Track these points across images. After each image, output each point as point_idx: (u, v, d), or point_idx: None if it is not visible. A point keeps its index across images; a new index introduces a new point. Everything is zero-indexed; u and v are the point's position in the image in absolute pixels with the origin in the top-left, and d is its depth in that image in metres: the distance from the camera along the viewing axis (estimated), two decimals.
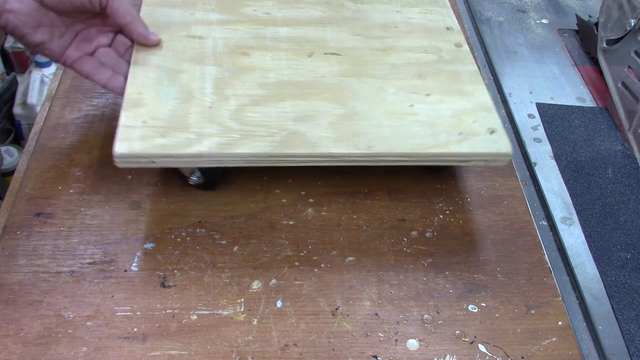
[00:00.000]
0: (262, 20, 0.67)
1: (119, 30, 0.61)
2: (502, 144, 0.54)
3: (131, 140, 0.51)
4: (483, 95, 0.60)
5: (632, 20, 0.72)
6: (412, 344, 0.49)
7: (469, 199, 0.60)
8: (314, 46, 0.64)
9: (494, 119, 0.57)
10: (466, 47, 0.65)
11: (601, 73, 0.79)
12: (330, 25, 0.67)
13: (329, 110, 0.56)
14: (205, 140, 0.52)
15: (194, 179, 0.57)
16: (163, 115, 0.54)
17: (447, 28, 0.68)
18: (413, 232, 0.57)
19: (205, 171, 0.56)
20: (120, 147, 0.51)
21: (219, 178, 0.59)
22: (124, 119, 0.53)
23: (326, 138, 0.53)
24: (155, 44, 0.61)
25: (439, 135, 0.55)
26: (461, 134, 0.55)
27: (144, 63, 0.59)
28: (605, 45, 0.78)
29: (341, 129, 0.54)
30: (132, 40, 0.61)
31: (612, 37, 0.77)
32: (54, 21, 0.56)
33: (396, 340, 0.49)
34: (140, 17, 0.61)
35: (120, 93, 0.57)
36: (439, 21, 0.69)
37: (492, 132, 0.55)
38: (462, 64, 0.63)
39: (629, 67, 0.73)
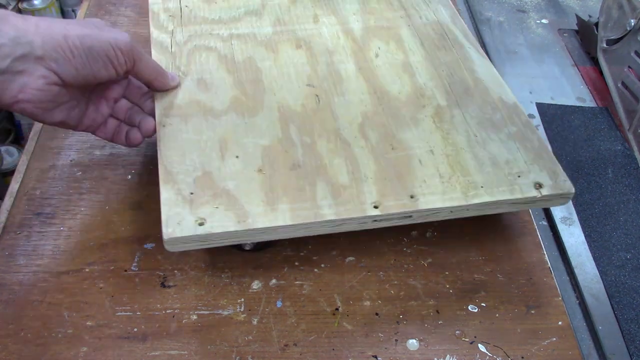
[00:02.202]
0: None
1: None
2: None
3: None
4: None
5: (632, 20, 0.72)
6: (412, 344, 0.49)
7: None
8: None
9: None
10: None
11: (601, 73, 0.79)
12: None
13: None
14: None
15: (247, 247, 0.54)
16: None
17: None
18: (413, 232, 0.57)
19: None
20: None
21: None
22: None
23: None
24: (176, 86, 0.59)
25: None
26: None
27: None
28: (605, 45, 0.78)
29: None
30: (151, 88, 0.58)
31: (612, 37, 0.77)
32: (73, 96, 0.52)
33: (396, 340, 0.49)
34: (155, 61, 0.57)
35: (139, 144, 0.56)
36: None
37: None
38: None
39: (629, 67, 0.73)
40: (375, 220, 0.50)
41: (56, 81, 0.48)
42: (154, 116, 0.56)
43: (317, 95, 0.59)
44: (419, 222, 0.51)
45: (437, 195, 0.51)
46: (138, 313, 0.49)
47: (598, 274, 0.56)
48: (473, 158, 0.54)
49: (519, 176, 0.53)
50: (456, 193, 0.51)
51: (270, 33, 0.67)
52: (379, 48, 0.66)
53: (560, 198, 0.52)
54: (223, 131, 0.55)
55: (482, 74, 0.63)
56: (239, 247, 0.54)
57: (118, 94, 0.56)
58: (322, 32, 0.68)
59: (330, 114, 0.57)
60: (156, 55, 0.62)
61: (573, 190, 0.52)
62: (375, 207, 0.49)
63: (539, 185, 0.52)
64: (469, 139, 0.56)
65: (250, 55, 0.63)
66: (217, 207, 0.48)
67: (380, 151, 0.54)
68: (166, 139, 0.53)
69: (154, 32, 0.65)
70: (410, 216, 0.50)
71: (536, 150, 0.55)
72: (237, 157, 0.52)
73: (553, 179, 0.53)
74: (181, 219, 0.47)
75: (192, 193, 0.49)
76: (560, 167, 0.54)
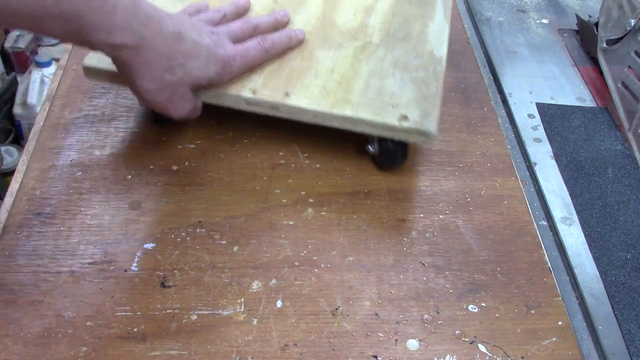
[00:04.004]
0: None
1: None
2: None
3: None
4: None
5: (632, 20, 0.72)
6: (412, 344, 0.49)
7: (468, 199, 0.60)
8: None
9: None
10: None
11: (601, 73, 0.79)
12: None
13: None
14: None
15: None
16: None
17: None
18: (413, 232, 0.57)
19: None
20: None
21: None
22: None
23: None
24: None
25: None
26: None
27: None
28: (605, 45, 0.78)
29: None
30: None
31: (612, 37, 0.77)
32: None
33: (396, 340, 0.49)
34: None
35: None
36: None
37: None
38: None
39: (629, 67, 0.73)
40: (248, 103, 0.58)
41: None
42: None
43: (273, 9, 0.66)
44: (286, 117, 0.58)
45: (308, 99, 0.58)
46: (138, 313, 0.49)
47: (598, 274, 0.56)
48: (364, 83, 0.60)
49: (392, 106, 0.57)
50: (326, 102, 0.57)
51: None
52: None
53: (420, 135, 0.56)
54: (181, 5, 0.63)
55: (432, 30, 0.67)
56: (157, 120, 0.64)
57: None
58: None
59: None
60: None
61: (432, 129, 0.56)
62: (252, 92, 0.58)
63: (404, 117, 0.56)
64: (373, 71, 0.61)
65: None
66: None
67: (289, 58, 0.62)
68: None
69: None
70: (277, 108, 0.58)
71: (427, 94, 0.59)
72: None
73: (421, 117, 0.57)
74: (102, 57, 0.54)
75: None
76: (437, 113, 0.58)
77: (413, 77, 0.61)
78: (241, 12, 0.66)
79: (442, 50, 0.65)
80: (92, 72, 0.60)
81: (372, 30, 0.66)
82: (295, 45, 0.64)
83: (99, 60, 0.58)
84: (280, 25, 0.65)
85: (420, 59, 0.63)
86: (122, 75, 0.54)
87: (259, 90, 0.58)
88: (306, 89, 0.59)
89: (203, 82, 0.56)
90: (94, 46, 0.50)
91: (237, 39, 0.60)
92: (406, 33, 0.67)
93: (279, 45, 0.62)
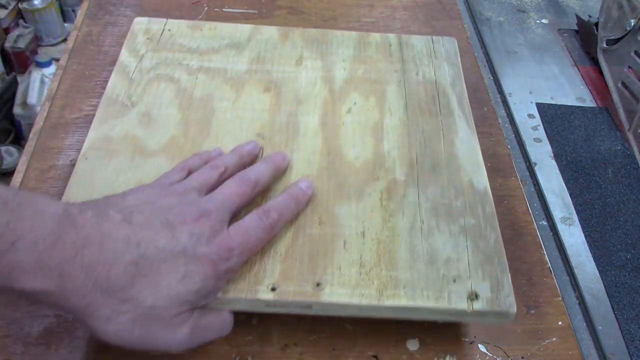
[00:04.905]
0: None
1: None
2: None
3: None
4: None
5: (632, 20, 0.72)
6: (412, 344, 0.49)
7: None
8: None
9: None
10: None
11: (601, 73, 0.79)
12: None
13: None
14: None
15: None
16: None
17: None
18: None
19: None
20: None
21: None
22: None
23: None
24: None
25: None
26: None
27: None
28: (605, 45, 0.78)
29: None
30: None
31: (612, 37, 0.77)
32: None
33: (396, 340, 0.49)
34: None
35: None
36: None
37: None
38: None
39: (629, 67, 0.73)
40: (269, 305, 0.44)
41: None
42: None
43: (262, 148, 0.54)
44: (322, 314, 0.45)
45: (347, 288, 0.44)
46: None
47: (598, 274, 0.56)
48: (408, 250, 0.47)
49: (454, 280, 0.45)
50: (370, 289, 0.44)
51: (243, 71, 0.62)
52: (355, 103, 0.60)
53: (498, 316, 0.44)
54: (144, 174, 0.50)
55: (460, 149, 0.56)
56: None
57: None
58: (299, 77, 0.62)
59: None
60: (114, 79, 0.60)
61: (514, 310, 0.44)
62: (273, 289, 0.44)
63: (474, 296, 0.44)
64: (413, 226, 0.49)
65: (211, 92, 0.59)
66: None
67: (303, 224, 0.48)
68: (80, 174, 0.51)
69: (123, 54, 0.63)
70: (310, 307, 0.44)
71: (489, 252, 0.48)
72: None
73: (494, 292, 0.45)
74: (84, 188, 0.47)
75: None
76: (509, 278, 0.46)
77: (463, 228, 0.49)
78: (247, 162, 0.52)
79: (483, 179, 0.53)
80: None
81: (392, 161, 0.54)
82: (304, 206, 0.50)
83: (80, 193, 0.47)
84: (280, 174, 0.52)
85: (462, 198, 0.51)
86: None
87: (280, 286, 0.44)
88: (340, 273, 0.45)
89: (191, 297, 0.40)
90: (16, 293, 0.37)
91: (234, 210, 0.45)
92: (433, 161, 0.54)
93: (286, 215, 0.47)
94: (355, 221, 0.49)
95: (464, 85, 0.64)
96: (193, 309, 0.41)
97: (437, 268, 0.46)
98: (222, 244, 0.42)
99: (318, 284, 0.44)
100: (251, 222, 0.44)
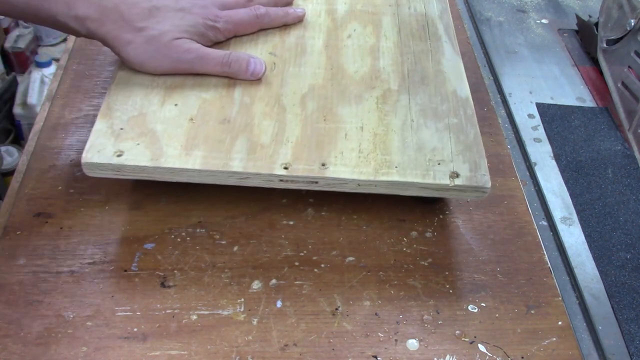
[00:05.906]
0: None
1: None
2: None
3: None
4: None
5: (632, 20, 0.72)
6: (412, 344, 0.49)
7: (468, 199, 0.60)
8: None
9: None
10: None
11: (601, 73, 0.79)
12: None
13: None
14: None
15: None
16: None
17: None
18: (413, 232, 0.57)
19: None
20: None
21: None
22: None
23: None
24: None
25: None
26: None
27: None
28: (605, 45, 0.78)
29: None
30: None
31: (612, 37, 0.77)
32: None
33: (396, 340, 0.49)
34: None
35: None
36: None
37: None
38: None
39: (629, 67, 0.73)
40: (282, 180, 0.52)
41: None
42: None
43: (274, 63, 0.62)
44: (326, 189, 0.53)
45: (349, 167, 0.53)
46: (138, 313, 0.49)
47: (598, 274, 0.56)
48: (400, 140, 0.55)
49: (438, 163, 0.53)
50: (368, 168, 0.53)
51: None
52: (354, 30, 0.68)
53: (475, 191, 0.53)
54: (173, 81, 0.59)
55: (446, 67, 0.64)
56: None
57: None
58: (305, 10, 0.70)
59: (279, 81, 0.60)
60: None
61: (489, 185, 0.52)
62: (285, 167, 0.52)
63: (455, 175, 0.53)
64: (404, 123, 0.57)
65: None
66: (138, 144, 0.53)
67: (311, 120, 0.57)
68: (119, 80, 0.58)
69: None
70: (316, 182, 0.52)
71: (469, 143, 0.56)
72: (175, 105, 0.57)
73: (472, 171, 0.53)
74: (102, 148, 0.52)
75: (122, 129, 0.54)
76: (485, 162, 0.54)
77: (447, 125, 0.57)
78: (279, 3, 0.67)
79: (465, 89, 0.62)
80: (92, 168, 0.52)
81: (387, 75, 0.63)
82: (292, 21, 0.65)
83: (99, 155, 0.52)
84: (289, 22, 0.66)
85: (447, 103, 0.59)
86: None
87: (292, 165, 0.52)
88: (342, 156, 0.53)
89: (187, 34, 0.57)
90: (59, 24, 0.53)
91: (229, 8, 0.61)
92: (422, 74, 0.63)
93: (273, 16, 0.62)
94: (355, 119, 0.57)
95: (451, 18, 0.72)
96: (191, 40, 0.58)
97: (425, 154, 0.54)
98: (212, 11, 0.59)
99: (323, 164, 0.53)
100: (243, 9, 0.61)
